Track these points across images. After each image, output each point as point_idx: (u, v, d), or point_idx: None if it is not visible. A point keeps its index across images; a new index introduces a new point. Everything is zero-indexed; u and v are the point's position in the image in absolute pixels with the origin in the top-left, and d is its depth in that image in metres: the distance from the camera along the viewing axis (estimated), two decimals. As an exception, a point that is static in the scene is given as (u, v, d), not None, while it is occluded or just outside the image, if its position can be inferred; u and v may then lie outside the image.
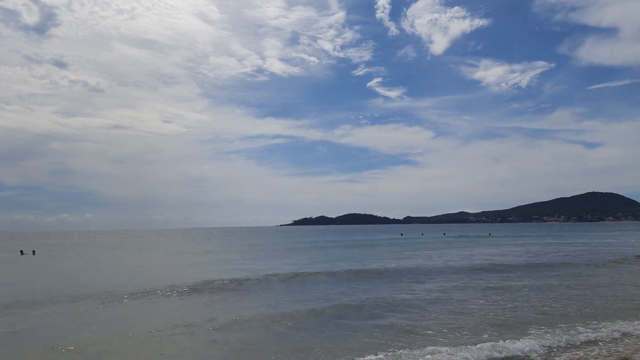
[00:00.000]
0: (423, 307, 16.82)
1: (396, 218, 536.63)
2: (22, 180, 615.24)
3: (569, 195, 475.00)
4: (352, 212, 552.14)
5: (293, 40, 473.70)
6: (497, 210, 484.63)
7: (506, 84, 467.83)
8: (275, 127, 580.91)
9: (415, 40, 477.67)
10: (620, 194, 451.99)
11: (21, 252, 56.84)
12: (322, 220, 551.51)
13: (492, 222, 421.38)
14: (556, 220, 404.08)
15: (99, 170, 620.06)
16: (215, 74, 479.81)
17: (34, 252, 55.67)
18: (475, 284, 22.47)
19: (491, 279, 24.14)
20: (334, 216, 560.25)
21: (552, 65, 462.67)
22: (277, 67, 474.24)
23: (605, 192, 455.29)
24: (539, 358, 10.82)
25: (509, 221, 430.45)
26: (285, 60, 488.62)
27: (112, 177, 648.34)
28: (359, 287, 21.95)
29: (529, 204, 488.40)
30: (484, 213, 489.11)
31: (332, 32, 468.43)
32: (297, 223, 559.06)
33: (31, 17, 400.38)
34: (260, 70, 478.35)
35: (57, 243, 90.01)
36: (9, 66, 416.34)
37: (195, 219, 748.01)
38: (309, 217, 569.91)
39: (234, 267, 32.74)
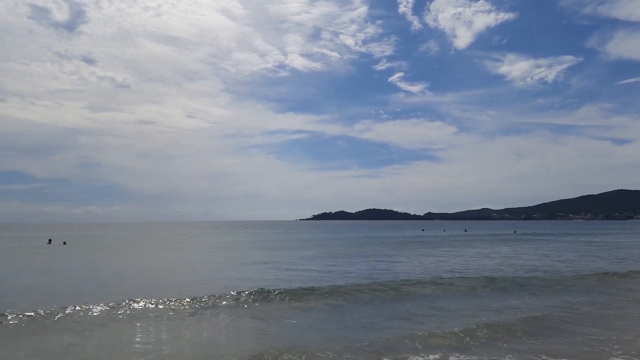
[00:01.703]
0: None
1: (417, 214, 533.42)
2: (52, 173, 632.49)
3: (596, 193, 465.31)
4: (371, 208, 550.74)
5: (315, 35, 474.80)
6: (521, 207, 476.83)
7: (532, 78, 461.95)
8: (295, 122, 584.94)
9: (439, 35, 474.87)
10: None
11: (49, 240, 57.98)
12: (341, 215, 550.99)
13: (515, 220, 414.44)
14: (582, 218, 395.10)
15: (124, 164, 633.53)
16: (237, 69, 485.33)
17: (64, 242, 56.78)
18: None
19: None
20: (353, 211, 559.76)
21: (580, 59, 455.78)
22: (298, 62, 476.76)
23: (635, 190, 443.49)
24: None
25: (533, 219, 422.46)
26: (306, 55, 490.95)
27: (137, 170, 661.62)
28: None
29: (554, 201, 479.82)
30: (507, 210, 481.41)
31: (354, 27, 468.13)
32: (316, 218, 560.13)
33: (61, 15, 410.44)
34: (281, 66, 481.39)
35: (85, 235, 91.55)
36: (40, 62, 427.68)
37: (215, 212, 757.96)
38: (328, 212, 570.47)
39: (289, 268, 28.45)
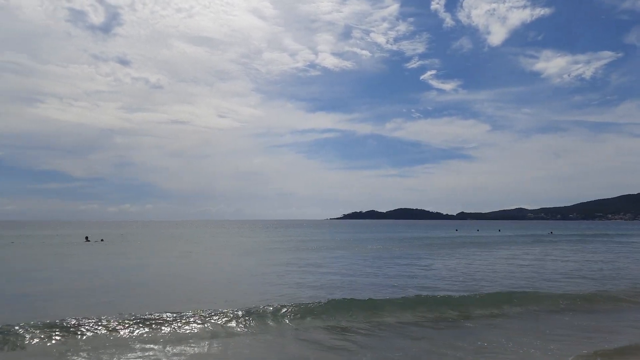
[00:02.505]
0: None
1: (449, 214, 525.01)
2: (88, 172, 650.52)
3: (636, 192, 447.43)
4: (403, 207, 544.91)
5: (346, 34, 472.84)
6: (557, 207, 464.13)
7: (569, 75, 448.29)
8: (325, 121, 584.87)
9: (472, 32, 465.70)
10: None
11: (86, 238, 59.17)
12: (372, 215, 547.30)
13: (551, 220, 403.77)
14: (622, 218, 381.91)
15: (157, 164, 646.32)
16: (268, 69, 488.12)
17: (102, 240, 57.94)
18: None
19: None
20: (384, 210, 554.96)
21: (619, 55, 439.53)
22: (329, 61, 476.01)
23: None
24: None
25: (570, 219, 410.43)
26: (337, 54, 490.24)
27: (170, 170, 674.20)
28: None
29: (591, 201, 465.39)
30: (542, 210, 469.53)
31: (385, 25, 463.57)
32: (346, 217, 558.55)
33: (97, 17, 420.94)
34: (312, 65, 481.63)
35: (121, 232, 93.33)
36: (77, 64, 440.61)
37: (246, 211, 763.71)
38: (358, 211, 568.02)
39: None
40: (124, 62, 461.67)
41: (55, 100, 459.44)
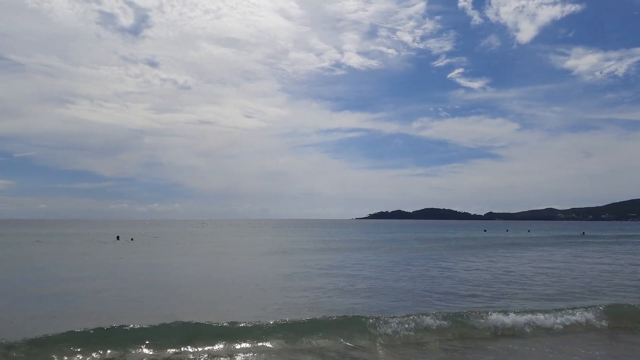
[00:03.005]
0: None
1: (477, 214, 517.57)
2: (118, 172, 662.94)
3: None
4: (429, 207, 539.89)
5: (371, 33, 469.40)
6: (589, 207, 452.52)
7: (600, 72, 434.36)
8: (351, 120, 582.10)
9: (500, 29, 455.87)
10: None
11: (117, 237, 60.25)
12: (398, 215, 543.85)
13: (582, 220, 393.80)
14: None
15: (185, 164, 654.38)
16: (294, 69, 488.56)
17: (132, 239, 58.86)
18: None
19: None
20: (410, 210, 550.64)
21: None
22: (354, 60, 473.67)
23: None
24: None
25: (602, 219, 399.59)
26: (363, 53, 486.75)
27: (197, 169, 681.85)
28: None
29: (625, 201, 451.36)
30: (573, 210, 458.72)
31: (411, 23, 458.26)
32: (372, 217, 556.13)
33: (127, 20, 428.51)
34: (338, 65, 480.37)
35: (152, 232, 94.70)
36: (107, 66, 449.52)
37: (272, 210, 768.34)
38: (385, 211, 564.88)
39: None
40: (152, 64, 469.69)
41: (85, 102, 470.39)
